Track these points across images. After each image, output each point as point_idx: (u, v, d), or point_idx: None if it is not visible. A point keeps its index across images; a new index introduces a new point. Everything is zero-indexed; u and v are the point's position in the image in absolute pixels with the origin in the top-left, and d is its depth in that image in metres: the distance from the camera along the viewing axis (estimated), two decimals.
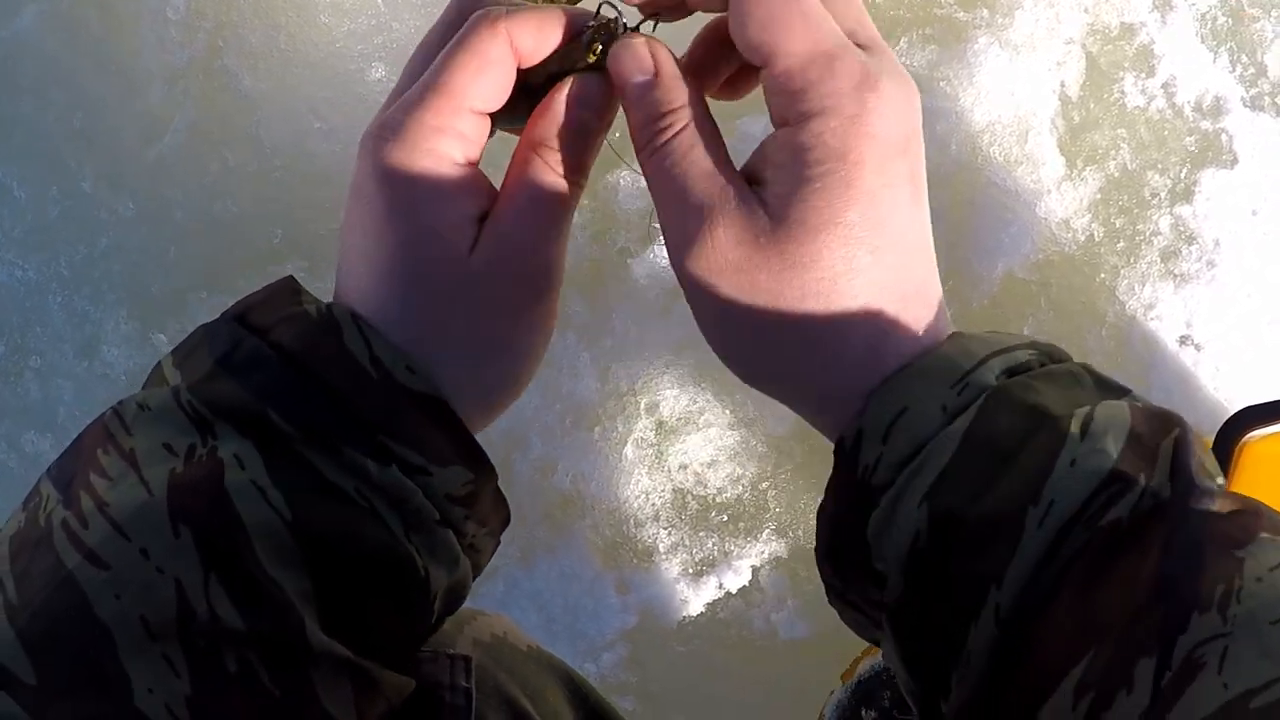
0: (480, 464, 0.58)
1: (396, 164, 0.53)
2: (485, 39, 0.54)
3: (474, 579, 0.62)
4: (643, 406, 1.73)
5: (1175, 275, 1.73)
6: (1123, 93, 1.82)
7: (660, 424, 1.74)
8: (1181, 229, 1.75)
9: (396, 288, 0.55)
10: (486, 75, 0.54)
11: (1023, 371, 0.56)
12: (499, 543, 0.64)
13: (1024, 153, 1.78)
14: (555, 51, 0.56)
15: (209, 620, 0.48)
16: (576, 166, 0.58)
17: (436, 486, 0.55)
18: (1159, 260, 1.74)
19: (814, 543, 0.60)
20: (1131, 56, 1.83)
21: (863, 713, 1.52)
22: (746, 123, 1.71)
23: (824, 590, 0.61)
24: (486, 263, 0.55)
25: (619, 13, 0.58)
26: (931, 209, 1.60)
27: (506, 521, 0.63)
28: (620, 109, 0.58)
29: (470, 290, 0.56)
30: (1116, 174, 1.77)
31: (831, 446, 0.57)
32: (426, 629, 0.60)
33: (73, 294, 1.81)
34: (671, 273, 0.58)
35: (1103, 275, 1.73)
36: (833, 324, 0.55)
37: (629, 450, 1.72)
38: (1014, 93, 1.80)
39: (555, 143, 0.56)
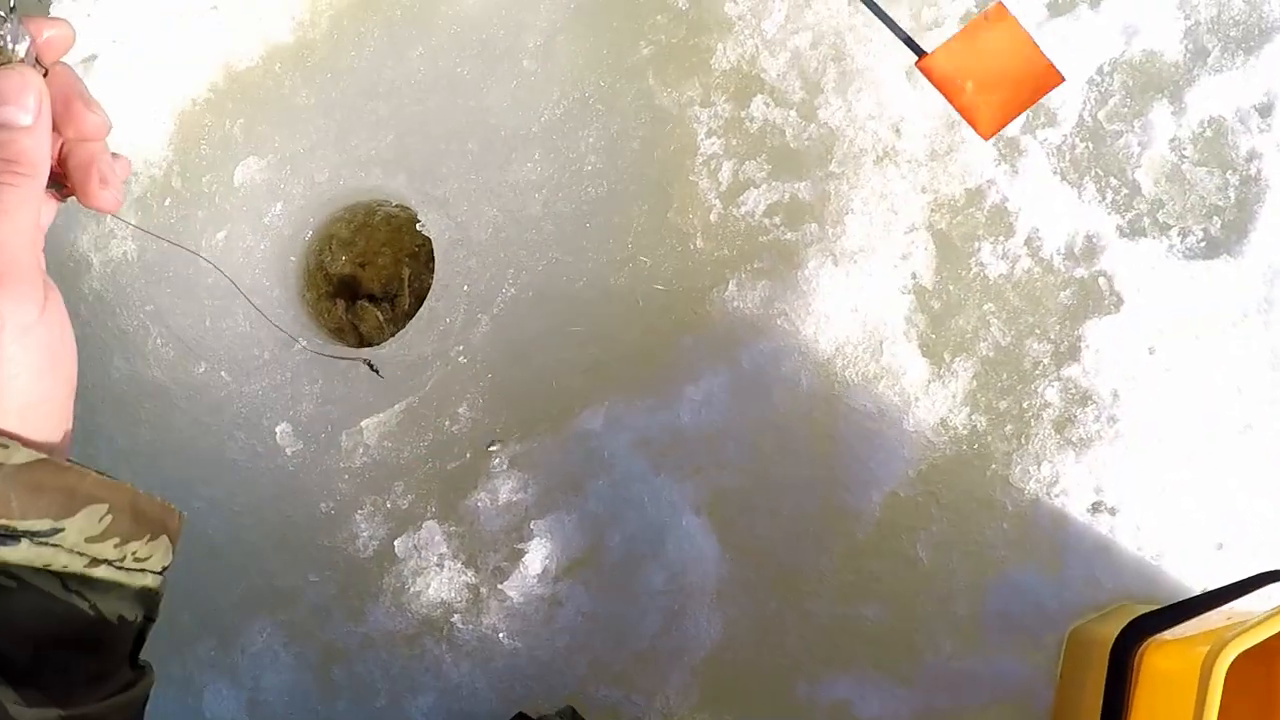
0: (109, 491, 0.63)
1: None
2: None
3: (163, 579, 0.70)
4: None
5: (1074, 443, 1.65)
6: (982, 264, 1.67)
7: None
8: (1073, 392, 1.65)
9: None
10: None
11: None
12: (175, 536, 0.71)
13: (881, 367, 1.67)
14: None
15: None
16: (15, 164, 0.60)
17: (74, 536, 0.60)
18: (1053, 432, 1.65)
19: None
20: (984, 222, 1.67)
21: None
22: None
23: None
24: None
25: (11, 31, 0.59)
26: (790, 448, 1.60)
27: (165, 517, 0.69)
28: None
29: None
30: (990, 354, 1.66)
31: None
32: (130, 638, 0.67)
33: None
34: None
35: (994, 465, 1.66)
36: None
37: None
38: (857, 307, 1.67)
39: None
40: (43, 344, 0.60)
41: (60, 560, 0.60)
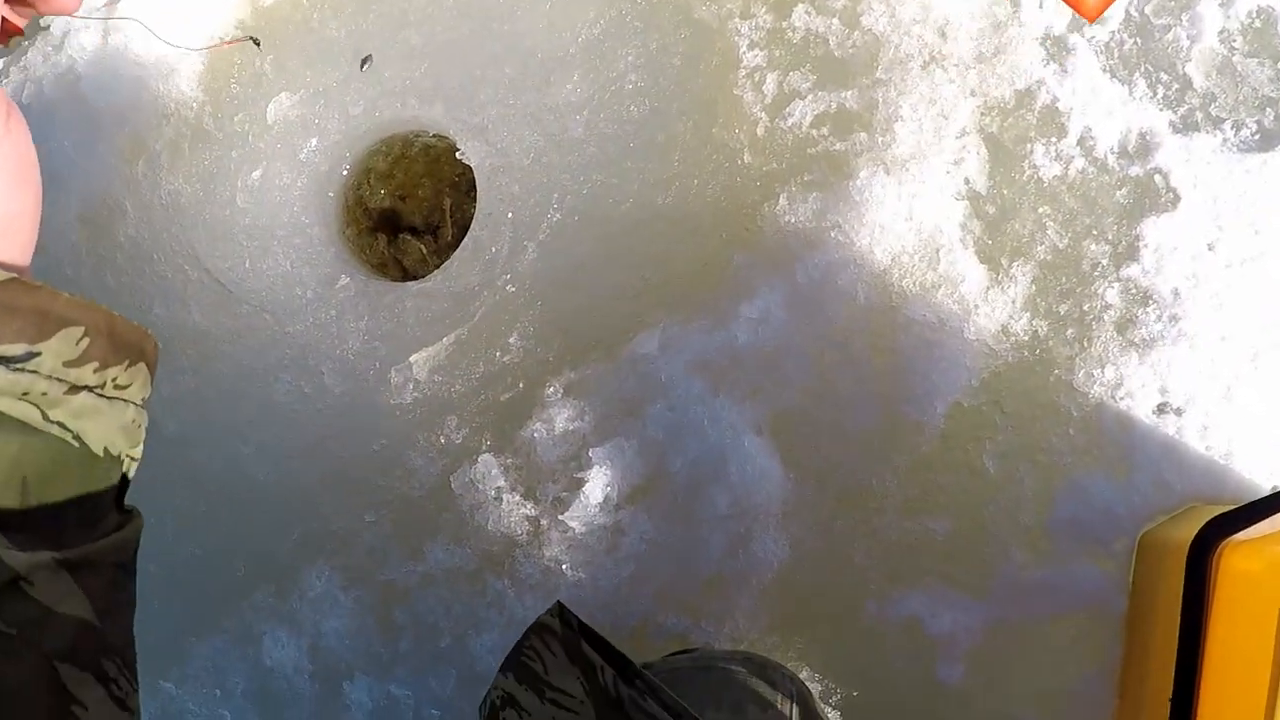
0: (84, 312, 0.60)
1: None
2: None
3: (144, 408, 0.67)
4: None
5: (1137, 344, 1.61)
6: (1035, 166, 1.63)
7: None
8: (1133, 292, 1.61)
9: None
10: None
11: None
12: (153, 364, 0.67)
13: (939, 275, 1.64)
14: None
15: None
16: None
17: (51, 360, 0.58)
18: (1115, 334, 1.62)
19: None
20: (1036, 123, 1.63)
21: None
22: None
23: None
24: None
25: None
26: (850, 363, 1.56)
27: (141, 341, 0.65)
28: None
29: None
30: (1049, 257, 1.62)
31: None
32: (117, 475, 0.65)
33: None
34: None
35: (1057, 371, 1.62)
36: None
37: None
38: (911, 216, 1.63)
39: None
40: (8, 158, 0.58)
41: (39, 387, 0.57)
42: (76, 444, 0.59)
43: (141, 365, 0.65)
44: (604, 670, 1.01)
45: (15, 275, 0.56)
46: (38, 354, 0.56)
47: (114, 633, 0.62)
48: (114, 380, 0.62)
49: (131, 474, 0.67)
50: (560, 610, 1.06)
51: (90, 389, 0.60)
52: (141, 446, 0.67)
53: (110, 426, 0.63)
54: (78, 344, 0.58)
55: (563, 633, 1.04)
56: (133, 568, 0.66)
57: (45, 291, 0.57)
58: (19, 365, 0.55)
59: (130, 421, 0.65)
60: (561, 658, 1.03)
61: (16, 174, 0.59)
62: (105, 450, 0.63)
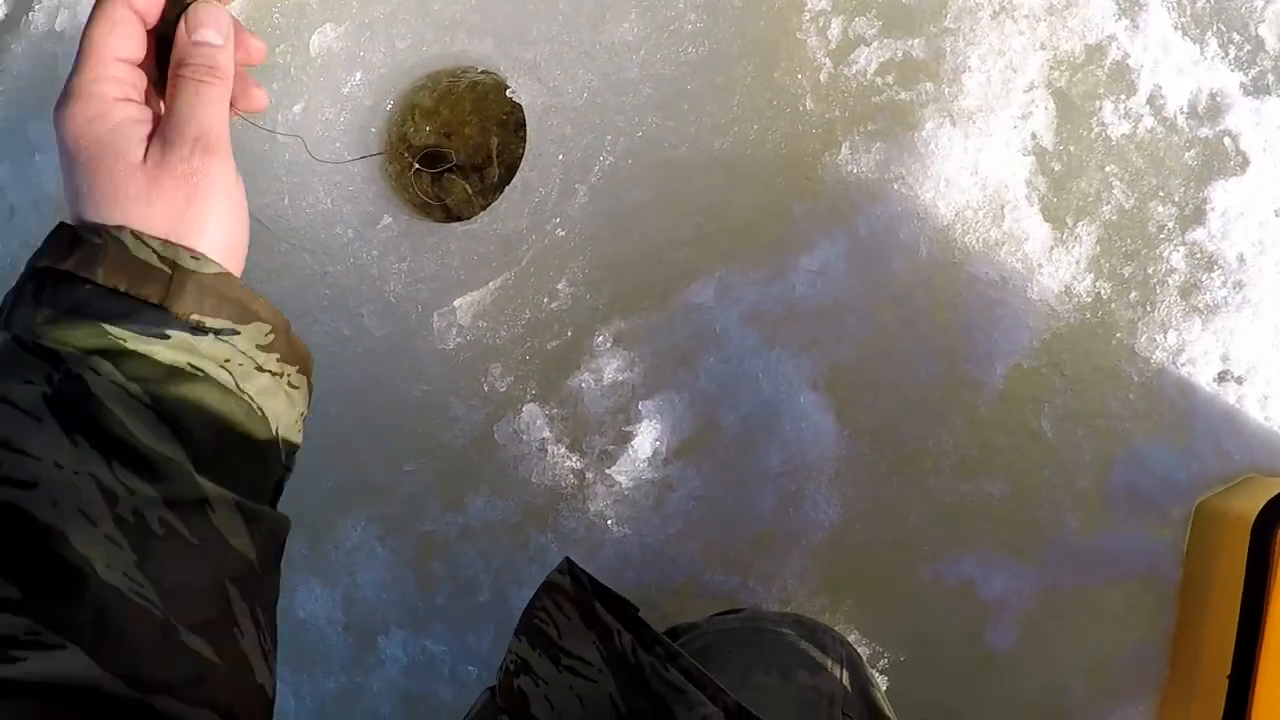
0: (272, 315, 0.73)
1: (74, 114, 0.69)
2: (108, 6, 0.71)
3: (305, 414, 0.78)
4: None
5: (1200, 310, 1.58)
6: (1103, 124, 1.59)
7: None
8: (1198, 256, 1.57)
9: (132, 204, 0.69)
10: (118, 31, 0.71)
11: None
12: (312, 384, 0.79)
13: (1003, 232, 1.59)
14: (168, 6, 0.74)
15: (128, 496, 0.62)
16: (214, 70, 0.74)
17: (246, 341, 0.70)
18: (1179, 298, 1.58)
19: None
20: (1105, 80, 1.58)
21: None
22: None
23: None
24: (155, 164, 0.69)
25: None
26: (910, 319, 1.52)
27: (308, 358, 0.78)
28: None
29: (160, 186, 0.69)
30: (1114, 218, 1.58)
31: None
32: (280, 468, 0.76)
33: None
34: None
35: (1119, 334, 1.58)
36: None
37: None
38: (977, 169, 1.59)
39: (191, 59, 0.73)
40: (236, 200, 0.73)
41: (236, 359, 0.70)
42: (259, 414, 0.72)
43: (305, 378, 0.77)
44: (620, 635, 0.97)
45: (230, 271, 0.71)
46: (238, 333, 0.70)
47: (267, 590, 0.73)
48: (289, 378, 0.75)
49: (286, 480, 0.79)
50: (569, 567, 1.03)
51: (272, 374, 0.73)
52: (295, 457, 0.79)
53: (284, 414, 0.75)
54: (265, 336, 0.72)
55: (574, 592, 1.01)
56: (279, 559, 0.76)
57: (247, 291, 0.71)
58: (224, 337, 0.69)
59: (295, 420, 0.77)
60: (576, 621, 1.00)
61: (241, 212, 0.74)
62: (277, 432, 0.74)
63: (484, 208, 1.64)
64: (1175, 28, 1.56)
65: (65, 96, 0.70)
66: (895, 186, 1.58)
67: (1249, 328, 1.55)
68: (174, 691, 0.61)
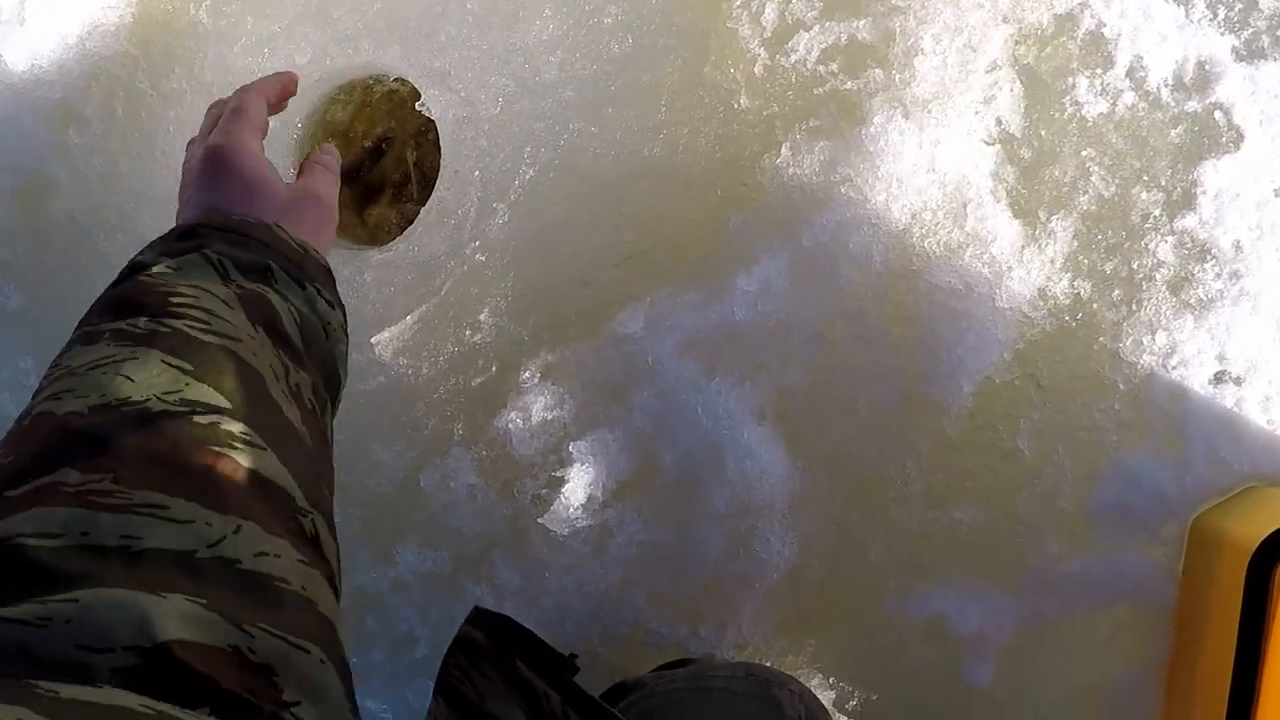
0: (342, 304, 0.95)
1: (240, 148, 0.97)
2: (254, 92, 1.06)
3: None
4: None
5: (1192, 305, 1.43)
6: (1077, 103, 1.44)
7: None
8: (1189, 246, 1.42)
9: (281, 213, 0.96)
10: (259, 105, 1.04)
11: None
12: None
13: (966, 234, 1.45)
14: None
15: (294, 373, 0.80)
16: (330, 163, 1.10)
17: (339, 316, 0.92)
18: (1168, 295, 1.44)
19: None
20: (1078, 53, 1.43)
21: None
22: None
23: None
24: (292, 194, 0.99)
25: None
26: (865, 337, 1.40)
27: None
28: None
29: (293, 205, 0.98)
30: (1093, 208, 1.44)
31: None
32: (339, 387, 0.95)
33: None
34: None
35: (1101, 339, 1.44)
36: None
37: None
38: (934, 165, 1.44)
39: (321, 159, 1.10)
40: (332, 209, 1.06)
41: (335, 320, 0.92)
42: (340, 333, 0.94)
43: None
44: (548, 696, 0.91)
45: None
46: (335, 310, 0.93)
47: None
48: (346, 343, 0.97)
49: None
50: (481, 618, 0.97)
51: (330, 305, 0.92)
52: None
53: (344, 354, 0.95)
54: (342, 317, 0.96)
55: (491, 647, 0.95)
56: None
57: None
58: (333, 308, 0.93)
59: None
60: (497, 681, 0.93)
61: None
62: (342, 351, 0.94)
63: (404, 227, 1.53)
64: None
65: (225, 138, 0.99)
66: (842, 189, 1.46)
67: (1247, 322, 1.41)
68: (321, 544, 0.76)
